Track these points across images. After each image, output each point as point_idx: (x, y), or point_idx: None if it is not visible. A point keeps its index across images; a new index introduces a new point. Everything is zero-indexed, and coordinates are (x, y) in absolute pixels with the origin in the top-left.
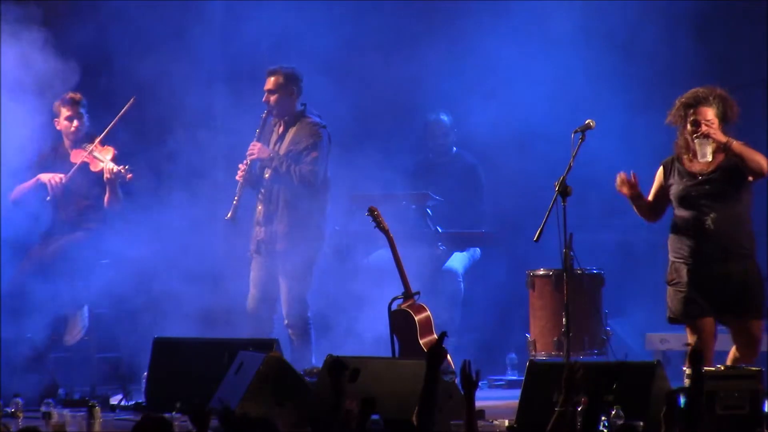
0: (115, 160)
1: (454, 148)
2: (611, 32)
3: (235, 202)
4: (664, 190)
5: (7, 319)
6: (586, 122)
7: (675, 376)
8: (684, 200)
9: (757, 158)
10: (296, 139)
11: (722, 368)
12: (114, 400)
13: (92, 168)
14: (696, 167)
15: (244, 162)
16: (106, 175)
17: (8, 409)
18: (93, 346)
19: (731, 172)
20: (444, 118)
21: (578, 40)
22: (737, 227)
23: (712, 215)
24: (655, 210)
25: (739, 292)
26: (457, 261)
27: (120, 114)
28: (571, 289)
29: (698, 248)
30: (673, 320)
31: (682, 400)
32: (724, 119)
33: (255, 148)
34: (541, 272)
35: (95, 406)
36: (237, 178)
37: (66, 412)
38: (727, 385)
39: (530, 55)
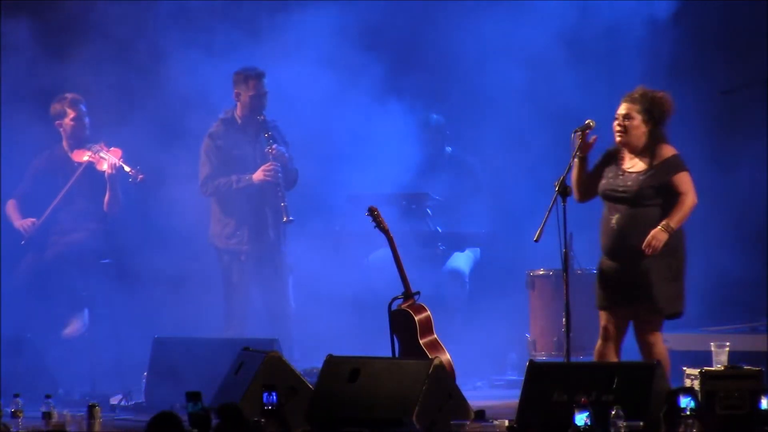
0: (123, 161)
1: (449, 148)
2: (610, 32)
3: (284, 204)
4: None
5: (7, 319)
6: (586, 122)
7: (675, 376)
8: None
9: (688, 209)
10: (280, 141)
11: (722, 368)
12: (114, 400)
13: (98, 167)
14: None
15: (271, 163)
16: (108, 171)
17: (8, 409)
18: (93, 346)
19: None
20: (434, 118)
21: (576, 39)
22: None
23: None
24: (587, 186)
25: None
26: (463, 262)
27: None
28: (571, 289)
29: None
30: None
31: (683, 400)
32: (651, 119)
33: (279, 151)
34: (541, 272)
35: (95, 406)
36: (268, 178)
37: (66, 412)
38: (727, 385)
39: (534, 52)
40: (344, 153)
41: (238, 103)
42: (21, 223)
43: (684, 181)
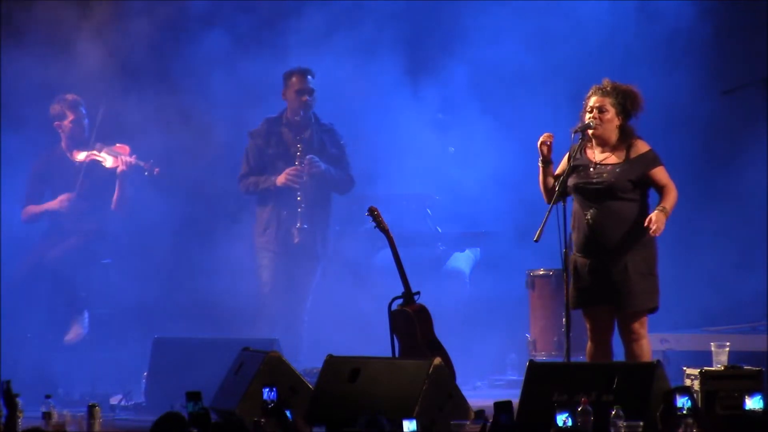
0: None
1: (451, 148)
2: (610, 33)
3: (300, 209)
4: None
5: (7, 320)
6: (586, 122)
7: (675, 376)
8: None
9: (676, 198)
10: (331, 144)
11: (722, 368)
12: (114, 400)
13: (105, 165)
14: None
15: (295, 168)
16: (121, 167)
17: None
18: (93, 346)
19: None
20: (439, 117)
21: (574, 41)
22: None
23: (591, 211)
24: (553, 188)
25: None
26: (463, 262)
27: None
28: None
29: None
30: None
31: (680, 399)
32: (624, 110)
33: (313, 161)
34: (541, 272)
35: (95, 406)
36: (289, 182)
37: (66, 412)
38: (727, 385)
39: (534, 53)
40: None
41: (287, 103)
42: (55, 203)
43: (663, 174)
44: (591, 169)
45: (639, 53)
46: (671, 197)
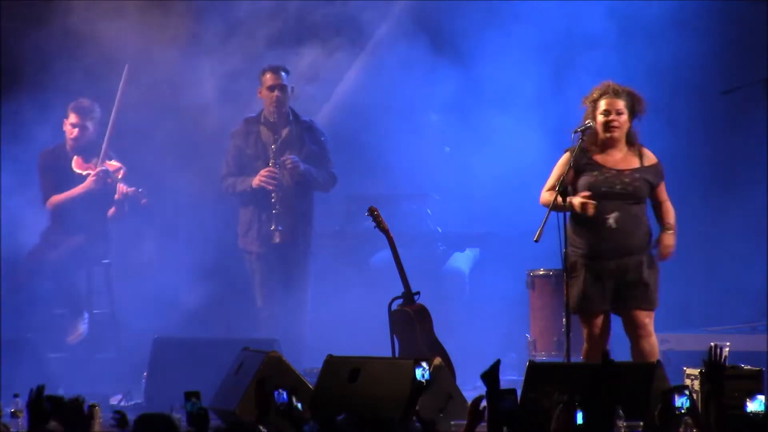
0: (124, 177)
1: (447, 148)
2: (610, 33)
3: (275, 211)
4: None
5: (7, 320)
6: (586, 123)
7: (675, 376)
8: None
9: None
10: (311, 142)
11: None
12: (114, 400)
13: (100, 183)
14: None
15: (268, 169)
16: (117, 195)
17: (8, 409)
18: (93, 346)
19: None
20: (433, 117)
21: (573, 42)
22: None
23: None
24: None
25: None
26: (463, 262)
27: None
28: None
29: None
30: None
31: (678, 399)
32: (632, 113)
33: (293, 161)
34: (541, 272)
35: (95, 406)
36: (265, 185)
37: None
38: (727, 385)
39: (533, 57)
40: (344, 150)
41: (263, 101)
42: (79, 188)
43: (664, 189)
44: (609, 172)
45: (639, 54)
46: (673, 215)
